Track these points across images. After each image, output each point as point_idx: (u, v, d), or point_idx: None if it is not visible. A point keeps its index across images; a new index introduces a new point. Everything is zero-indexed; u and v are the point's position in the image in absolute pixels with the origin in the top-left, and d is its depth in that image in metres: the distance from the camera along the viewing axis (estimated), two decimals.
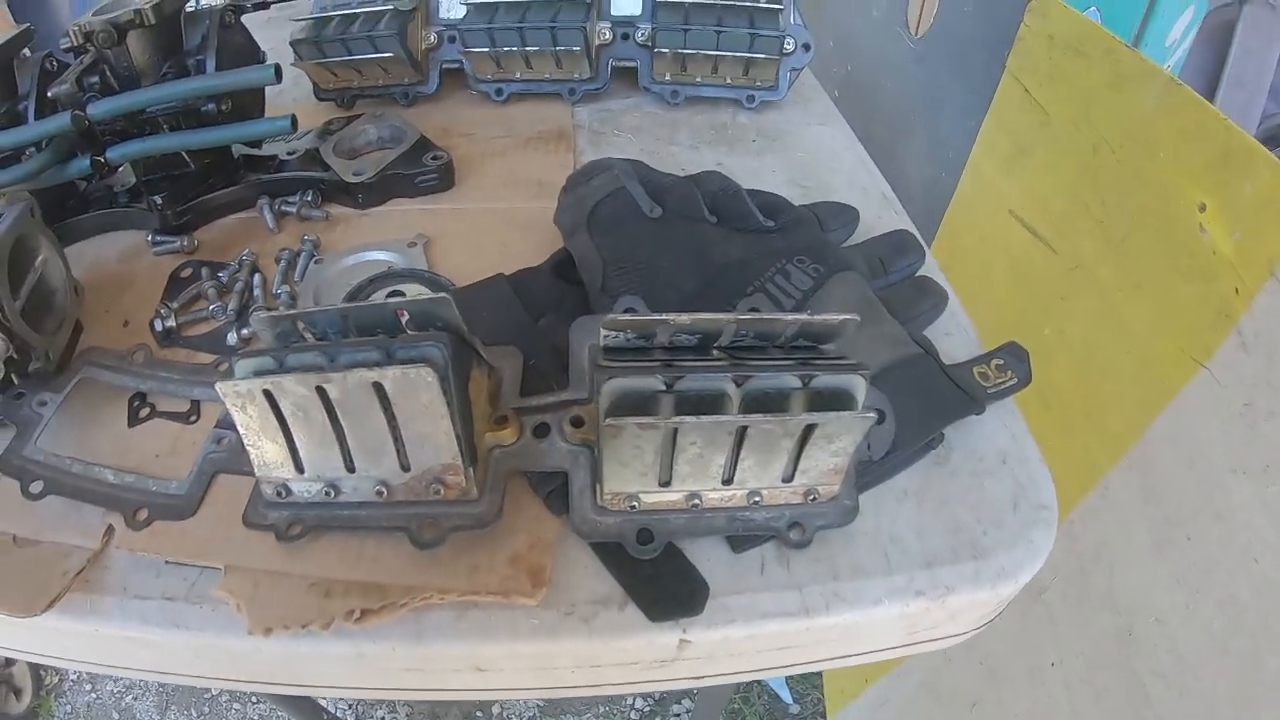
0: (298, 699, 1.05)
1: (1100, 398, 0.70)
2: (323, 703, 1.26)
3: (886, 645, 0.40)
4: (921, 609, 0.37)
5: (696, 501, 0.35)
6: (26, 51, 0.58)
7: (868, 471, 0.39)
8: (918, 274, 0.51)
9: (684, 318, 0.33)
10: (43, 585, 0.37)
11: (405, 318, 0.35)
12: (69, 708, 1.50)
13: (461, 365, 0.35)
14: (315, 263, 0.51)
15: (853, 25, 1.08)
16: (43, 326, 0.46)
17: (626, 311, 0.38)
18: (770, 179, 0.60)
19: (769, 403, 0.32)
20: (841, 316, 0.34)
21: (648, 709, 1.38)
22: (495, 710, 1.37)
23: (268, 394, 0.32)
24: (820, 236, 0.48)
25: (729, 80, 0.66)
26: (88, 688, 1.52)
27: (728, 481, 0.35)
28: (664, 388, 0.32)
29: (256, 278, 0.50)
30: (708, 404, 0.32)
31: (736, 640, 0.36)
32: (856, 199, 0.57)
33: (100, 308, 0.51)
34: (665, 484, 0.35)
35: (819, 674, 1.37)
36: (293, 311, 0.35)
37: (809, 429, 0.33)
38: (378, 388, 0.32)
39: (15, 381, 0.43)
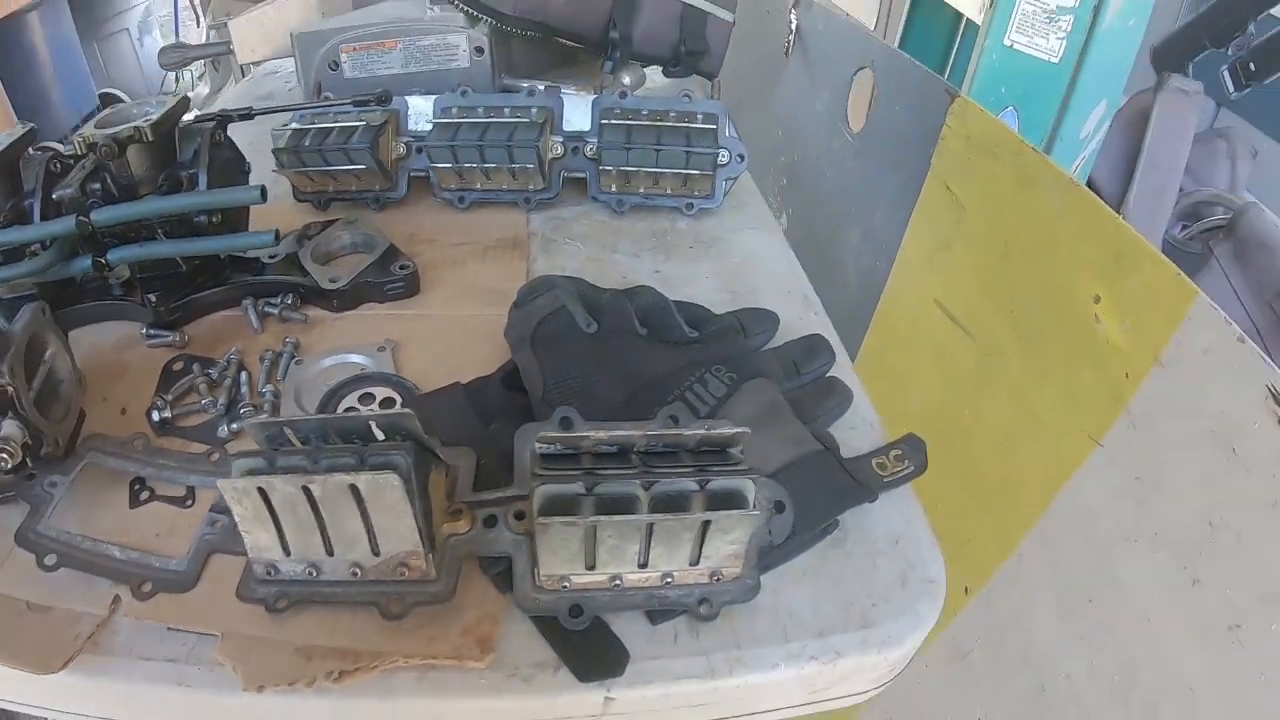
0: None
1: (1012, 475, 0.81)
2: None
3: (790, 703, 0.49)
4: (815, 671, 0.46)
5: (618, 582, 0.46)
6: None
7: (769, 554, 0.49)
8: (828, 374, 0.61)
9: (602, 433, 0.44)
10: (58, 646, 0.46)
11: (376, 427, 0.47)
12: None
13: (422, 468, 0.46)
14: (296, 363, 0.61)
15: (799, 118, 1.22)
16: (51, 414, 0.55)
17: (562, 421, 0.48)
18: (704, 284, 0.72)
19: (672, 503, 0.43)
20: (734, 430, 0.45)
21: None
22: None
23: (261, 491, 0.42)
24: (738, 345, 0.60)
25: (669, 191, 0.78)
26: None
27: (643, 565, 0.45)
28: (584, 491, 0.43)
29: (243, 375, 0.60)
30: (622, 504, 0.43)
31: (653, 698, 0.45)
32: (781, 302, 0.69)
33: (99, 395, 0.61)
34: (591, 568, 0.45)
35: None
36: (281, 420, 0.45)
37: (706, 524, 0.43)
38: (353, 488, 0.42)
39: (29, 464, 0.53)
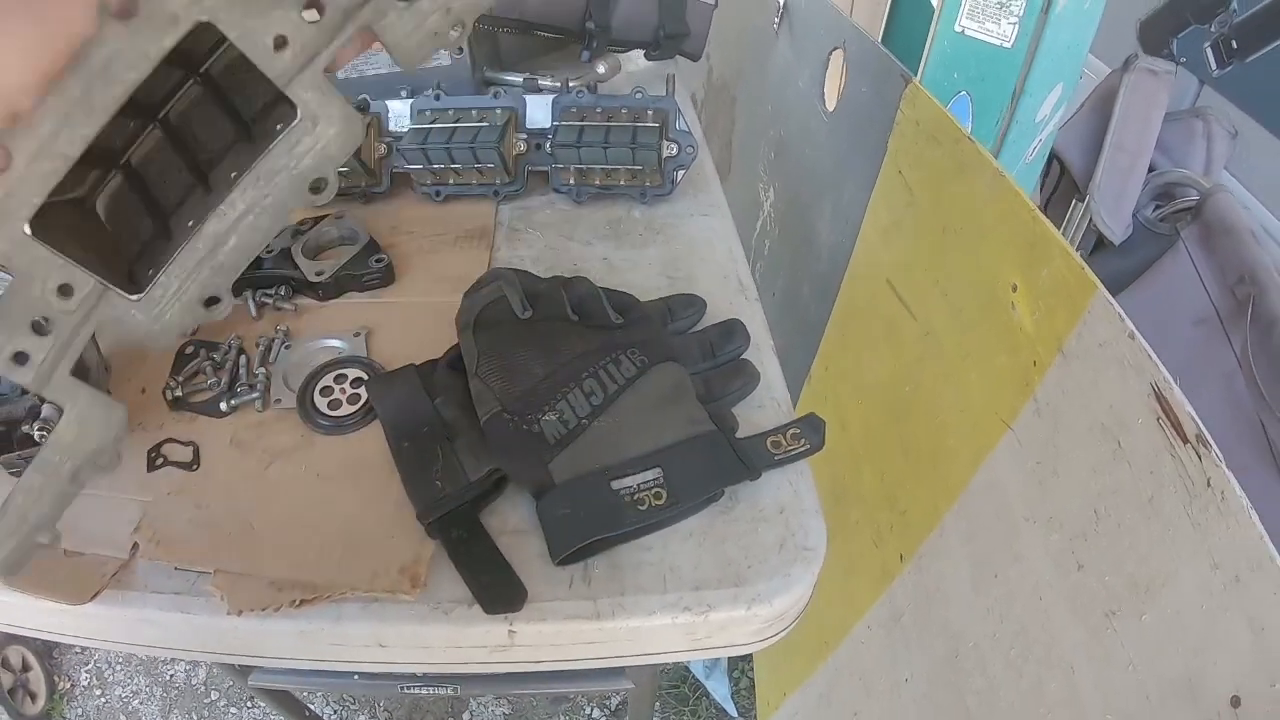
0: (283, 697, 1.31)
1: (942, 450, 0.88)
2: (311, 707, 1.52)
3: (675, 648, 0.57)
4: (688, 621, 0.55)
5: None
6: None
7: (656, 515, 0.57)
8: (742, 357, 0.71)
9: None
10: (88, 583, 0.59)
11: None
12: (79, 710, 1.77)
13: None
14: (285, 348, 0.75)
15: (784, 94, 1.31)
16: None
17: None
18: (646, 270, 0.82)
19: None
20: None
21: (603, 717, 1.64)
22: (465, 717, 1.64)
23: None
24: (655, 332, 0.70)
25: (623, 182, 0.89)
26: (97, 693, 1.79)
27: None
28: None
29: (242, 359, 0.75)
30: None
31: (549, 634, 0.55)
32: (717, 286, 0.79)
33: (124, 377, 0.75)
34: None
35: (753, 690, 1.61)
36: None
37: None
38: None
39: None
